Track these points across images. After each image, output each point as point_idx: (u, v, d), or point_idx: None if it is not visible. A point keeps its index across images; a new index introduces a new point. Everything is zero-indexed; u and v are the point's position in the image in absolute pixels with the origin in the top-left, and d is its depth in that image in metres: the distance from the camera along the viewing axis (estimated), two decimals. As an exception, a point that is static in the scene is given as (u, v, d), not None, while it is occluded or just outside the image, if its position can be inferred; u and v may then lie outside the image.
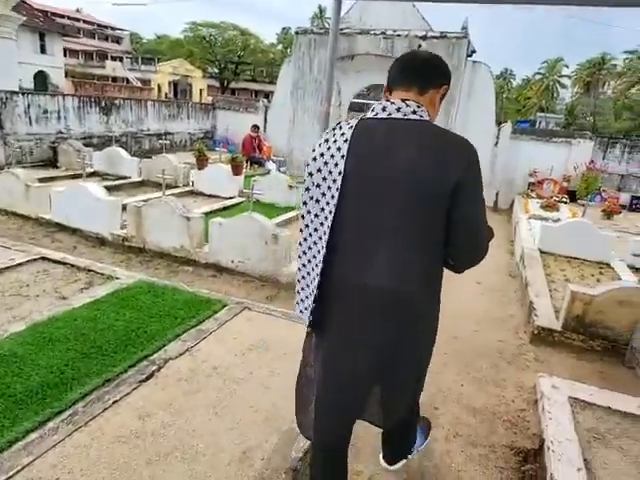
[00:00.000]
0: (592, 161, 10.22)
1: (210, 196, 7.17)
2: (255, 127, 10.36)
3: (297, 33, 10.32)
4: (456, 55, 8.84)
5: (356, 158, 1.33)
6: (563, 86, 45.56)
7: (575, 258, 5.68)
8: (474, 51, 9.39)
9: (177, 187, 7.48)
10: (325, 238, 1.37)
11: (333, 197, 1.35)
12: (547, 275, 4.95)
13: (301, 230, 1.47)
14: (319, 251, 1.40)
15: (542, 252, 5.74)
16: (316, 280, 1.40)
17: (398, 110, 1.34)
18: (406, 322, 1.39)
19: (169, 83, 40.06)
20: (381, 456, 2.06)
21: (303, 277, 1.48)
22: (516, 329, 3.89)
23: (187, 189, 7.43)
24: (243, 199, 6.93)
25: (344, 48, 9.73)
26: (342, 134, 1.36)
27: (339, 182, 1.33)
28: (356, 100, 18.62)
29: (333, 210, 1.35)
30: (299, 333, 2.85)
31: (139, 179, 7.88)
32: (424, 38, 9.10)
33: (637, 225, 8.38)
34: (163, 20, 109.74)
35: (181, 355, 2.71)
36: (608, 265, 5.53)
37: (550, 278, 4.91)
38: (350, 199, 1.34)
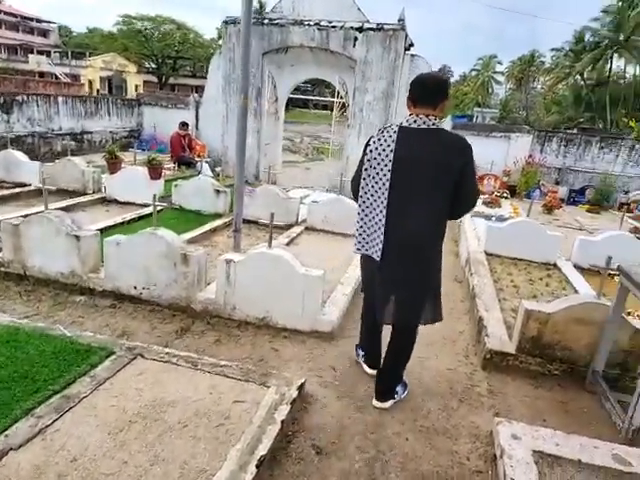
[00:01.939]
0: (531, 155, 10.22)
1: (125, 204, 6.28)
2: (184, 124, 9.47)
3: (226, 23, 9.51)
4: (394, 48, 8.42)
5: (400, 151, 2.17)
6: (497, 82, 47.37)
7: (521, 260, 5.38)
8: (412, 44, 9.02)
9: (86, 194, 6.52)
10: (385, 198, 2.22)
11: (385, 175, 2.20)
12: (495, 282, 4.57)
13: (362, 194, 2.33)
14: (380, 209, 2.25)
15: (488, 254, 5.40)
16: (380, 231, 2.26)
17: (423, 122, 2.17)
18: (425, 252, 2.31)
19: (102, 79, 37.57)
20: (374, 398, 2.63)
21: (365, 223, 2.36)
22: (466, 352, 3.43)
23: (98, 196, 6.48)
24: (164, 206, 6.10)
25: (277, 40, 9.07)
26: (390, 135, 2.21)
27: (390, 164, 2.19)
28: (296, 96, 18.01)
29: (387, 185, 2.20)
30: (204, 384, 2.46)
31: (41, 186, 6.80)
32: (360, 30, 8.61)
33: (577, 219, 8.36)
34: (95, 12, 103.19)
35: (29, 441, 1.97)
36: (555, 266, 5.27)
37: (498, 285, 4.53)
38: (397, 177, 2.19)
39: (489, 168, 10.17)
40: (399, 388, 2.67)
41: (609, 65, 32.47)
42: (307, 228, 5.93)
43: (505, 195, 9.60)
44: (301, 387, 2.57)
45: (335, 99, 9.26)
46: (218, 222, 5.67)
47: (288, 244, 5.17)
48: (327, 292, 3.85)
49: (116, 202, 6.42)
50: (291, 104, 31.26)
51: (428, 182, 2.17)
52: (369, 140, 2.33)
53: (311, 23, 8.76)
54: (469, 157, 2.18)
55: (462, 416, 2.64)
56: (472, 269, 4.77)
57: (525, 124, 17.76)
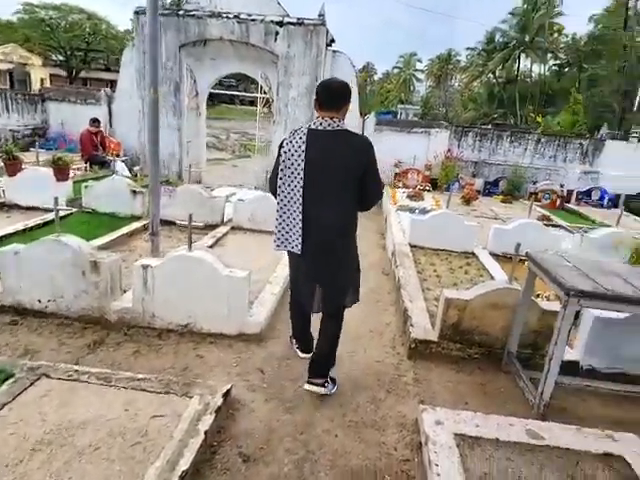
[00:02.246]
0: (449, 150, 10.74)
1: (29, 209, 5.72)
2: (95, 121, 8.84)
3: (137, 13, 8.96)
4: (315, 43, 8.43)
5: (310, 152, 2.38)
6: (418, 79, 49.42)
7: (443, 250, 5.62)
8: (333, 40, 9.09)
9: (-17, 200, 5.86)
10: (300, 195, 2.41)
11: (299, 174, 2.40)
12: (419, 273, 4.73)
13: (280, 192, 2.49)
14: (297, 206, 2.43)
15: (412, 246, 5.58)
16: (298, 225, 2.45)
17: (329, 125, 2.39)
18: (341, 240, 2.53)
19: (1, 72, 34.10)
20: (307, 382, 2.73)
21: (284, 220, 2.52)
22: (393, 343, 3.50)
23: (-4, 201, 5.85)
24: (73, 210, 5.65)
25: (194, 32, 8.71)
26: (300, 137, 2.41)
27: (302, 165, 2.39)
28: (221, 91, 17.52)
29: (302, 182, 2.40)
30: (119, 401, 2.31)
31: None
32: (281, 24, 8.52)
33: (492, 209, 8.92)
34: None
35: None
36: (473, 254, 5.57)
37: (422, 276, 4.69)
38: (309, 175, 2.39)
39: (412, 163, 10.57)
40: (329, 384, 2.75)
41: (517, 64, 35.14)
42: (233, 227, 5.77)
43: (427, 188, 10.03)
44: (227, 394, 2.47)
45: (259, 94, 9.10)
46: (136, 225, 5.34)
47: (213, 245, 4.99)
48: (255, 292, 3.75)
49: (18, 207, 5.83)
50: (216, 100, 30.42)
51: (337, 179, 2.39)
52: (282, 142, 2.50)
53: (230, 16, 8.51)
54: (372, 155, 2.43)
55: (390, 407, 2.68)
56: (398, 261, 4.89)
57: (445, 120, 18.68)
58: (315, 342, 2.84)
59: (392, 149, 10.47)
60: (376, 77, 53.74)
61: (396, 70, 49.35)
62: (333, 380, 2.79)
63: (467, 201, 9.19)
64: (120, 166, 8.53)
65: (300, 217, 2.42)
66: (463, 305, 3.15)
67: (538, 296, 3.82)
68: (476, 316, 3.17)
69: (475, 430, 2.28)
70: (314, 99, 2.46)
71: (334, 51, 9.10)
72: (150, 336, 3.24)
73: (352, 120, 9.48)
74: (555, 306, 3.07)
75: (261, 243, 5.29)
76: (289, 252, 2.63)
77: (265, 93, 9.16)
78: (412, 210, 7.83)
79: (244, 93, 24.08)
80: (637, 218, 9.44)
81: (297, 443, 2.32)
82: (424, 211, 7.58)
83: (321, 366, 2.73)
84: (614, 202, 10.62)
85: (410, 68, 47.73)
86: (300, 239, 2.46)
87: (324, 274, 2.59)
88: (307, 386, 2.71)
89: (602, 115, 26.70)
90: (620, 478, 2.06)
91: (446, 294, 3.19)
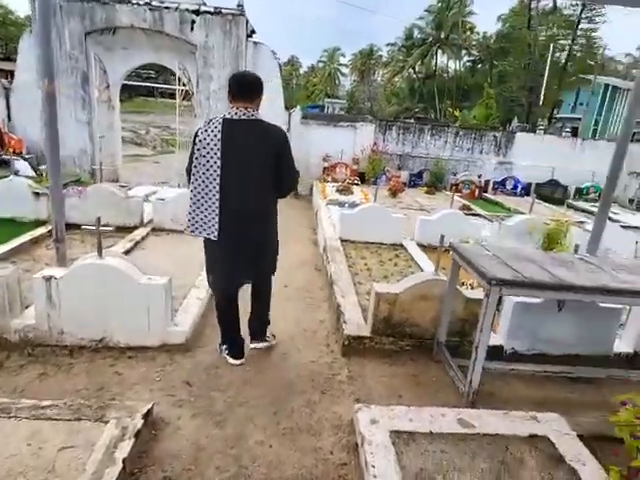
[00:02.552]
0: (375, 143, 10.94)
1: None
2: (-10, 116, 7.89)
3: (35, -4, 8.10)
4: (235, 34, 8.14)
5: (226, 140, 2.48)
6: (343, 74, 50.08)
7: (373, 243, 5.68)
8: (254, 31, 8.85)
9: None
10: (217, 183, 2.50)
11: (216, 162, 2.49)
12: (350, 267, 4.73)
13: (194, 180, 2.55)
14: (213, 193, 2.52)
15: (343, 240, 5.58)
16: (215, 210, 2.54)
17: (243, 114, 2.52)
18: (260, 225, 2.68)
19: None
20: (249, 341, 3.07)
21: (198, 207, 2.58)
22: (327, 340, 3.44)
23: None
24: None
25: (101, 19, 8.06)
26: (216, 127, 2.49)
27: (219, 153, 2.48)
28: (137, 83, 16.51)
29: (219, 170, 2.49)
30: (21, 434, 2.04)
31: None
32: (197, 13, 8.12)
33: (417, 200, 9.22)
34: None
35: None
36: (402, 246, 5.68)
37: (353, 270, 4.69)
38: (226, 162, 2.49)
39: (340, 157, 10.63)
40: (270, 338, 3.18)
41: (435, 60, 36.78)
42: (154, 229, 5.41)
43: (356, 182, 10.15)
44: (148, 414, 2.25)
45: (177, 86, 8.64)
46: (41, 230, 4.82)
47: (131, 249, 4.63)
48: (179, 298, 3.52)
49: None
50: (134, 93, 28.70)
51: (253, 164, 2.53)
52: (197, 131, 2.57)
53: (140, 2, 7.97)
54: (286, 143, 2.62)
55: (325, 408, 2.60)
56: (329, 257, 4.85)
57: (370, 114, 19.06)
58: (250, 311, 3.08)
59: (319, 143, 10.46)
60: (301, 71, 53.70)
61: (321, 64, 49.66)
62: (273, 335, 3.21)
63: (394, 193, 9.41)
64: (22, 165, 7.70)
65: (217, 204, 2.51)
66: (393, 299, 3.16)
67: (463, 284, 3.94)
68: (406, 308, 3.19)
69: (409, 425, 2.27)
70: (227, 91, 2.57)
71: (255, 42, 8.86)
72: (59, 355, 2.90)
73: (278, 113, 9.32)
74: (478, 294, 3.17)
75: (185, 245, 5.01)
76: (206, 239, 2.67)
77: (184, 85, 8.71)
78: (342, 204, 7.87)
79: (163, 85, 22.91)
80: (547, 205, 10.24)
81: (228, 459, 2.17)
82: (353, 205, 7.64)
83: (260, 328, 3.12)
84: (526, 190, 11.45)
85: (334, 62, 48.23)
86: (217, 225, 2.55)
87: (248, 259, 2.71)
88: (252, 344, 3.09)
89: (512, 109, 28.78)
90: (545, 457, 2.14)
91: (376, 289, 3.18)
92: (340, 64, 49.01)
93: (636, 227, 8.02)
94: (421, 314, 3.22)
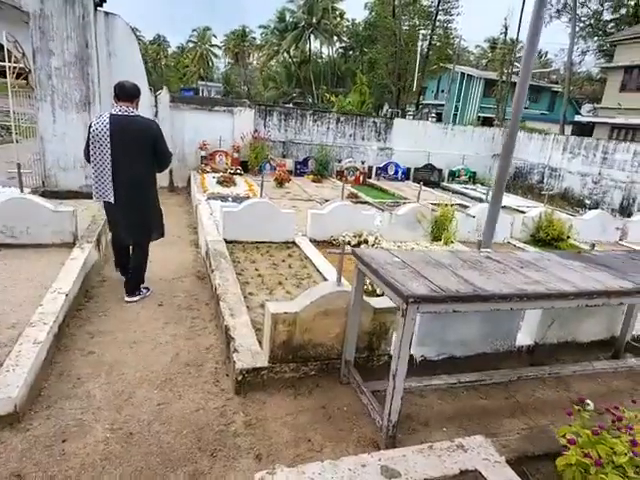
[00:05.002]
0: (256, 130, 10.28)
1: None
2: None
3: None
4: (78, 2, 6.77)
5: (114, 130, 3.35)
6: (216, 55, 47.81)
7: (262, 242, 5.12)
8: (104, 0, 7.50)
9: None
10: (109, 161, 3.40)
11: (107, 146, 3.37)
12: (239, 275, 4.12)
13: (93, 159, 3.43)
14: (108, 168, 3.41)
15: (228, 242, 4.93)
16: (110, 181, 3.44)
17: (125, 111, 3.42)
18: (142, 190, 3.58)
19: None
20: (125, 296, 3.76)
21: (98, 180, 3.45)
22: (216, 375, 2.83)
23: None
24: None
25: None
26: (105, 119, 3.36)
27: (109, 139, 3.35)
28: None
29: (109, 152, 3.37)
30: None
31: None
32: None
33: (305, 190, 8.84)
34: None
35: None
36: (294, 243, 5.22)
37: (243, 278, 4.10)
38: (114, 146, 3.37)
39: (219, 145, 9.79)
40: (143, 290, 3.88)
41: (309, 45, 36.70)
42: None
43: (239, 172, 9.43)
44: None
45: (7, 63, 6.97)
46: None
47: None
48: (7, 344, 2.62)
49: None
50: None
51: (134, 147, 3.46)
52: (91, 123, 3.46)
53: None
54: (158, 131, 3.60)
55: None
56: (213, 264, 4.19)
57: (247, 99, 18.20)
58: (128, 269, 3.84)
59: (195, 129, 9.52)
60: (170, 50, 49.97)
61: (191, 44, 46.75)
62: (147, 289, 3.91)
63: (280, 183, 8.92)
64: None
65: (110, 177, 3.44)
66: (292, 319, 2.67)
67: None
68: (308, 328, 2.73)
69: (326, 491, 1.81)
70: (113, 94, 3.47)
71: (107, 13, 7.55)
72: None
73: (143, 96, 8.14)
74: (387, 302, 2.82)
75: (24, 264, 3.92)
76: (106, 202, 3.56)
77: (16, 61, 7.07)
78: (224, 198, 7.15)
79: None
80: (425, 188, 10.62)
81: None
82: (237, 199, 6.97)
83: (134, 284, 3.80)
84: (406, 175, 11.82)
85: (206, 43, 45.74)
86: (112, 192, 3.47)
87: (133, 216, 3.60)
88: (127, 298, 3.74)
89: (383, 95, 30.04)
90: (482, 500, 1.85)
91: (271, 309, 2.65)
92: (212, 45, 46.67)
93: (511, 207, 8.68)
94: (325, 332, 2.78)
